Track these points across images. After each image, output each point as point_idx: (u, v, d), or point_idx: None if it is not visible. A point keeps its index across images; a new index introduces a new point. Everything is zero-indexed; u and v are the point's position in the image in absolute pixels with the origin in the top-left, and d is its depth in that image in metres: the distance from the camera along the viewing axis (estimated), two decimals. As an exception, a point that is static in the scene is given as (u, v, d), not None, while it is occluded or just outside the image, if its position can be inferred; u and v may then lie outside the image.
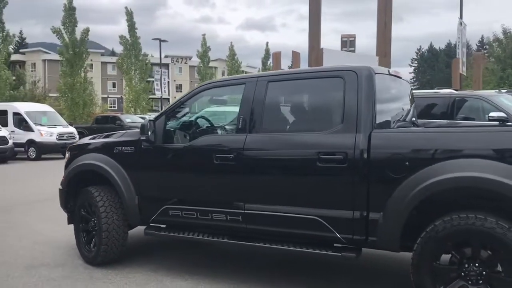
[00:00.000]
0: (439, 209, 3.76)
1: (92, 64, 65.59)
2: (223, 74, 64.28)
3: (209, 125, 5.18)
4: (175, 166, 4.90)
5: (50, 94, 46.66)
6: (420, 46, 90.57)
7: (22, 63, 64.29)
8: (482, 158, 3.54)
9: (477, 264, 3.53)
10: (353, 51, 8.83)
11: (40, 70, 64.46)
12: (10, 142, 18.86)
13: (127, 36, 35.94)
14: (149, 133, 4.79)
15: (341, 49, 8.50)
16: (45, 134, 20.03)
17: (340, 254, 4.04)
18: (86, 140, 5.97)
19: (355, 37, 9.01)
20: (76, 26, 30.38)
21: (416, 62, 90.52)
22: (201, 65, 49.51)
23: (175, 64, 71.00)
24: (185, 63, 71.64)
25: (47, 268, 5.25)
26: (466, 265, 3.56)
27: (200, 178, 4.73)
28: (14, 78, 31.90)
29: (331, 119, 4.21)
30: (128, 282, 4.74)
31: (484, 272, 3.51)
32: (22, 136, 20.04)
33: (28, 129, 20.11)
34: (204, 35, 51.50)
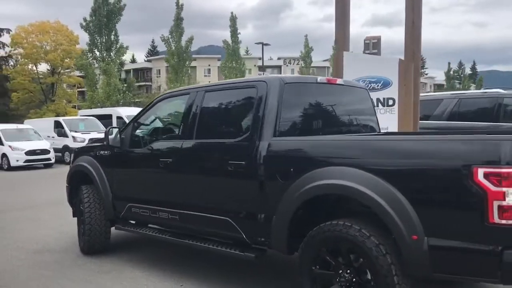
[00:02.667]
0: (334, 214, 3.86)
1: (209, 69, 69.49)
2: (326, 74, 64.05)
3: (160, 131, 5.67)
4: (134, 169, 5.51)
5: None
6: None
7: (149, 70, 70.21)
8: (349, 166, 3.59)
9: (349, 271, 3.59)
10: (377, 53, 8.44)
11: (164, 76, 69.70)
12: (112, 143, 21.04)
13: (230, 42, 37.58)
14: (110, 139, 5.44)
15: (364, 52, 8.22)
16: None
17: (243, 253, 4.31)
18: (87, 143, 6.84)
19: (379, 39, 8.57)
20: (182, 35, 32.66)
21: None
22: (303, 66, 49.75)
23: (287, 65, 72.09)
24: (297, 64, 72.29)
25: (49, 253, 6.17)
26: (340, 272, 3.63)
27: (151, 180, 5.27)
28: (125, 85, 35.21)
29: (243, 127, 4.46)
30: (96, 269, 5.45)
31: (354, 280, 3.57)
32: (124, 138, 22.20)
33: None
34: (306, 36, 51.63)
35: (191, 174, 4.81)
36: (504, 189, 2.91)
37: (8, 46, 49.50)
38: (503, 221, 2.93)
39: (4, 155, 19.71)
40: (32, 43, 49.67)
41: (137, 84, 61.62)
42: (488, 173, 2.95)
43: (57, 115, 41.31)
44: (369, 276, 3.50)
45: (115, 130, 5.48)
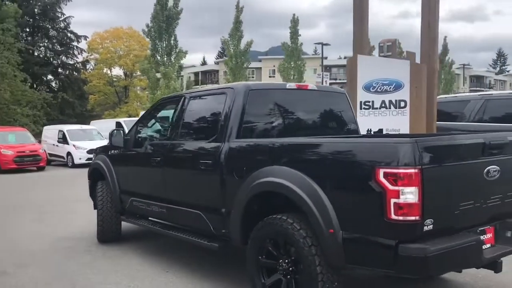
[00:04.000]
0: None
1: (274, 70, 70.08)
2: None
3: (156, 133, 6.23)
4: (135, 167, 6.13)
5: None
6: None
7: (216, 72, 72.01)
8: (285, 165, 3.94)
9: (287, 261, 3.95)
10: (391, 56, 8.34)
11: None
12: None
13: (289, 43, 37.95)
14: (113, 140, 6.10)
15: (379, 55, 8.17)
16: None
17: (209, 244, 4.77)
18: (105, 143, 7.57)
19: (395, 42, 8.34)
20: (242, 38, 33.52)
21: None
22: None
23: (352, 65, 70.98)
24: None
25: (70, 241, 6.96)
26: (281, 261, 3.99)
27: (146, 176, 5.86)
28: (184, 87, 36.61)
29: (214, 129, 4.88)
30: (101, 254, 6.16)
31: (291, 269, 3.92)
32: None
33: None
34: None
35: (174, 171, 5.35)
36: (399, 188, 3.17)
37: (85, 52, 53.10)
38: (399, 218, 3.19)
39: (69, 153, 21.48)
40: (107, 48, 52.82)
41: (196, 86, 63.59)
42: (387, 173, 3.22)
43: (129, 116, 43.68)
44: (302, 266, 3.84)
45: (118, 132, 6.13)
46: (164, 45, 30.41)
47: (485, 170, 3.60)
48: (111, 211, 6.56)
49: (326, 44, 38.14)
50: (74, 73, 52.22)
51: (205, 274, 5.24)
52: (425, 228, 3.23)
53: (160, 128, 6.28)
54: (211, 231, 4.79)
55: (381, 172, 3.24)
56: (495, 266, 3.83)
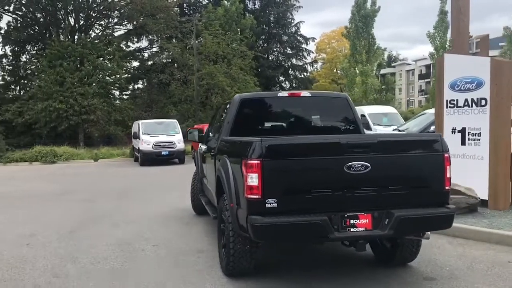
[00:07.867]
0: None
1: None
2: None
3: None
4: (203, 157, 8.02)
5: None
6: None
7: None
8: (228, 155, 5.29)
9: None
10: (479, 53, 7.11)
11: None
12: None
13: None
14: (189, 137, 8.09)
15: (468, 52, 7.29)
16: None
17: (212, 214, 6.36)
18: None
19: (486, 38, 6.74)
20: (448, 30, 31.83)
21: None
22: None
23: None
24: None
25: (179, 211, 9.20)
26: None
27: (203, 164, 7.70)
28: (381, 84, 36.46)
29: (221, 129, 6.40)
30: (185, 221, 8.22)
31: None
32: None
33: (368, 128, 23.86)
34: None
35: (207, 160, 7.08)
36: (249, 174, 4.32)
37: (313, 53, 57.25)
38: (249, 196, 4.34)
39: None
40: (333, 48, 55.89)
41: (426, 80, 61.08)
42: (244, 163, 4.39)
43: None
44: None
45: (193, 131, 8.12)
46: (362, 43, 31.37)
47: (347, 165, 4.33)
48: (198, 191, 8.60)
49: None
50: (303, 73, 56.78)
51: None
52: (268, 205, 4.27)
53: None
54: (215, 205, 6.38)
55: (243, 162, 4.42)
56: (355, 245, 4.51)
